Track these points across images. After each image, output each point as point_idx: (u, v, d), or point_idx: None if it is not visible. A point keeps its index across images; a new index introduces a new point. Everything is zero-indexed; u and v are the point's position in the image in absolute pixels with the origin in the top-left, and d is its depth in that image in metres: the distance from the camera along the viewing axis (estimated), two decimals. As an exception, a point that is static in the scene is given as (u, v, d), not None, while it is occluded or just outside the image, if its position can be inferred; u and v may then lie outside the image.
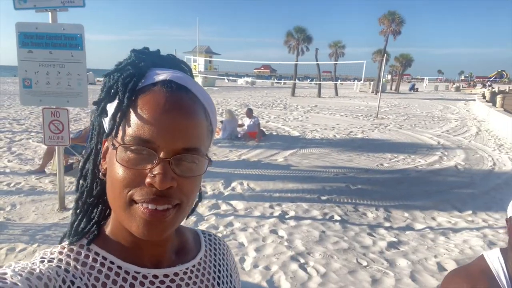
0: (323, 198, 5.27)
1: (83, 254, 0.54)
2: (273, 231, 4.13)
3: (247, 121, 9.72)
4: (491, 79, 66.09)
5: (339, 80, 46.24)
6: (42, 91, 4.10)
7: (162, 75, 0.53)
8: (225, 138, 9.28)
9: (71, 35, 3.99)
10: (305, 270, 3.34)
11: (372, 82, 40.14)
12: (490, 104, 19.53)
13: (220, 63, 49.17)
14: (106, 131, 0.55)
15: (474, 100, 23.59)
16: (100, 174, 0.57)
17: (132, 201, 0.50)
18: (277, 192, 5.43)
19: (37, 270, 0.47)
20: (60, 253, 0.53)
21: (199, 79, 36.55)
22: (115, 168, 0.51)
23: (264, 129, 10.27)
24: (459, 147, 9.50)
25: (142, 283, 0.55)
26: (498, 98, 19.92)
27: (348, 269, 3.37)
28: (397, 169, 7.11)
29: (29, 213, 4.32)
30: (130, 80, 0.53)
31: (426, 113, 18.14)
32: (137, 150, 0.50)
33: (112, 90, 0.54)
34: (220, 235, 3.96)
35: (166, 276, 0.58)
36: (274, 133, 10.56)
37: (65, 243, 0.56)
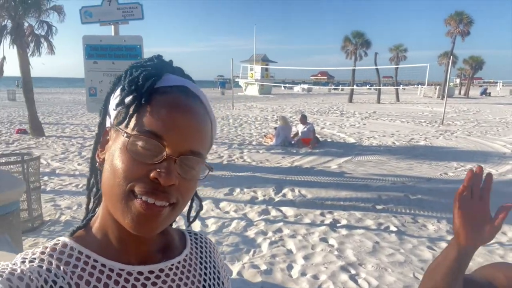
0: (379, 207, 5.01)
1: (66, 253, 0.54)
2: (323, 239, 4.00)
3: (300, 128, 9.62)
4: None
5: (401, 85, 44.18)
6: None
7: (178, 81, 0.57)
8: (278, 145, 9.26)
9: (131, 46, 4.26)
10: (355, 281, 3.18)
11: (438, 87, 37.78)
12: None
13: (276, 70, 49.62)
14: (114, 121, 0.56)
15: (558, 104, 21.11)
16: (97, 164, 0.58)
17: (131, 193, 0.51)
18: (329, 200, 5.27)
19: (18, 271, 0.47)
20: (42, 253, 0.53)
21: (255, 87, 37.13)
22: (120, 158, 0.51)
23: (318, 136, 10.08)
24: (539, 156, 8.52)
25: (127, 280, 0.55)
26: None
27: (404, 283, 3.14)
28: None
29: (93, 212, 4.65)
30: (150, 78, 0.55)
31: (499, 119, 16.60)
32: (147, 143, 0.50)
33: (133, 84, 0.55)
34: (268, 241, 3.93)
35: (151, 272, 0.58)
36: (329, 140, 10.33)
37: (50, 242, 0.56)
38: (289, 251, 3.73)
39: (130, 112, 0.53)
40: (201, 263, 0.67)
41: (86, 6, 4.10)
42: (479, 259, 3.61)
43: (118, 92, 0.57)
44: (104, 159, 0.56)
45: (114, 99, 0.57)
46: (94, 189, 0.62)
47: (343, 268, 3.39)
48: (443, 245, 3.90)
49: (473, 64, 41.69)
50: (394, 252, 3.71)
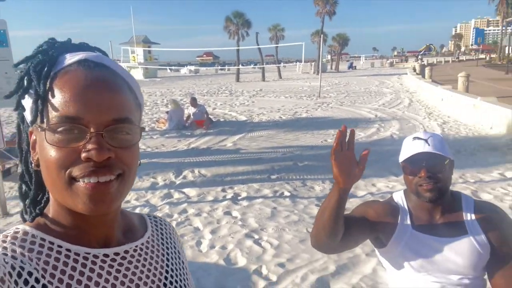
0: (273, 177, 5.48)
1: (28, 241, 0.52)
2: (227, 213, 4.26)
3: (192, 110, 9.67)
4: (421, 53, 70.85)
5: (282, 63, 46.98)
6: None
7: (76, 56, 0.54)
8: (172, 129, 9.17)
9: (-7, 31, 3.73)
10: (259, 244, 3.52)
11: (313, 63, 41.33)
12: (420, 76, 21.05)
13: (160, 53, 47.77)
14: (30, 120, 0.55)
15: (406, 73, 25.25)
16: (33, 165, 0.57)
17: (72, 180, 0.50)
18: (228, 176, 5.55)
19: None
20: (3, 241, 0.51)
21: (139, 71, 35.28)
22: (47, 152, 0.50)
23: (211, 117, 10.28)
24: (394, 118, 10.23)
25: (93, 263, 0.55)
26: (427, 70, 21.53)
27: (299, 238, 3.60)
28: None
29: (-34, 224, 4.06)
30: (43, 66, 0.53)
31: (364, 89, 19.15)
32: (66, 129, 0.49)
33: (25, 81, 0.53)
34: (174, 222, 4.01)
35: (116, 254, 0.58)
36: (222, 120, 10.63)
37: (8, 231, 0.54)
38: (196, 229, 3.89)
39: (39, 107, 0.51)
40: (162, 244, 0.68)
41: None
42: (356, 208, 4.32)
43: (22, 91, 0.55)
44: (38, 159, 0.55)
45: (19, 96, 0.55)
46: (32, 193, 0.59)
47: (248, 235, 3.70)
48: (328, 201, 4.53)
49: (340, 41, 46.68)
50: (289, 214, 4.18)
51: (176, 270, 0.67)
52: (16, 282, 0.47)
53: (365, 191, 4.87)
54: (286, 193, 4.81)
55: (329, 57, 58.46)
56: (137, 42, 37.28)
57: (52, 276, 0.50)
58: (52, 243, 0.53)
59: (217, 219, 4.09)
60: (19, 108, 0.55)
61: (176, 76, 40.35)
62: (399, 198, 1.42)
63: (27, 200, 0.60)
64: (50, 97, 0.51)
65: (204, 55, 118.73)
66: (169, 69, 50.25)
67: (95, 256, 0.55)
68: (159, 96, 17.76)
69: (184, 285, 0.66)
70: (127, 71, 0.58)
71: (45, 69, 0.52)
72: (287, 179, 5.39)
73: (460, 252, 1.26)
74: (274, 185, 5.12)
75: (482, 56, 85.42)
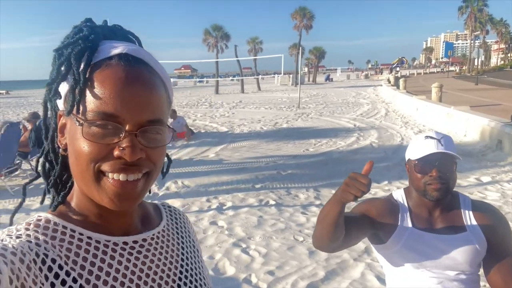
0: (257, 186, 5.48)
1: (50, 228, 0.53)
2: (213, 223, 4.21)
3: (171, 122, 9.57)
4: (393, 66, 73.21)
5: (260, 75, 47.41)
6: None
7: (117, 49, 0.53)
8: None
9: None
10: (247, 253, 3.49)
11: (291, 75, 41.98)
12: (395, 87, 21.71)
13: (137, 65, 47.31)
14: (64, 108, 0.54)
15: (381, 85, 25.99)
16: (60, 150, 0.57)
17: (100, 173, 0.51)
18: (212, 186, 5.51)
19: (10, 246, 0.46)
20: (27, 229, 0.52)
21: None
22: (80, 143, 0.51)
23: (192, 128, 10.23)
24: (373, 127, 10.46)
25: (114, 250, 0.56)
26: (401, 82, 22.22)
27: (287, 246, 3.60)
28: (321, 152, 7.63)
29: None
30: (83, 54, 0.52)
31: (342, 100, 19.54)
32: (102, 125, 0.50)
33: (63, 68, 0.53)
34: (160, 234, 3.94)
35: (135, 242, 0.59)
36: (203, 131, 10.59)
37: (30, 219, 0.54)
38: (182, 240, 3.82)
39: (76, 97, 0.51)
40: (177, 233, 0.69)
41: None
42: (341, 214, 4.36)
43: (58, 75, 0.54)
44: (66, 144, 0.55)
45: (57, 83, 0.54)
46: (56, 171, 0.60)
47: (235, 244, 3.67)
48: (314, 209, 4.56)
49: (317, 54, 47.71)
50: (275, 222, 4.17)
51: (191, 258, 0.68)
52: (40, 269, 0.48)
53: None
54: (271, 202, 4.82)
55: (306, 69, 59.51)
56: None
57: (75, 262, 0.51)
58: (74, 231, 0.54)
59: (203, 229, 4.05)
60: (56, 95, 0.54)
61: (154, 89, 40.02)
62: (399, 196, 1.45)
63: (50, 179, 0.60)
64: (88, 89, 0.51)
65: (182, 68, 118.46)
66: (147, 81, 49.81)
67: (115, 244, 0.57)
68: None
69: (199, 272, 0.67)
70: (162, 67, 0.58)
71: (86, 58, 0.52)
72: (272, 188, 5.40)
73: (458, 249, 1.29)
74: (259, 194, 5.12)
75: (452, 68, 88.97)
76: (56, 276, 0.49)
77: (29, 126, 6.81)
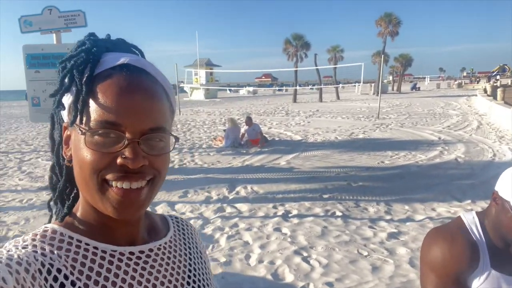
0: (325, 196, 5.41)
1: (57, 239, 0.54)
2: (277, 229, 4.27)
3: (246, 129, 9.83)
4: (493, 74, 65.91)
5: (340, 84, 46.47)
6: (51, 109, 4.33)
7: (119, 59, 0.54)
8: (228, 146, 9.45)
9: (75, 54, 4.23)
10: (308, 262, 3.48)
11: (373, 84, 40.32)
12: (491, 98, 19.56)
13: (221, 74, 49.77)
14: (67, 120, 0.56)
15: (476, 95, 23.61)
16: (65, 161, 0.58)
17: (104, 182, 0.52)
18: (280, 194, 5.58)
19: (15, 256, 0.47)
20: (33, 239, 0.53)
21: (201, 92, 37.02)
22: (84, 153, 0.51)
23: (266, 135, 10.44)
24: (460, 141, 9.59)
25: (120, 260, 0.56)
26: (499, 92, 19.97)
27: (350, 259, 3.50)
28: (398, 165, 7.23)
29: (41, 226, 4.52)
30: (86, 66, 0.53)
31: (428, 110, 18.22)
32: (105, 134, 0.50)
33: (67, 79, 0.55)
34: (225, 235, 4.12)
35: (141, 252, 0.59)
36: (277, 139, 10.74)
37: (37, 230, 0.56)
38: (246, 243, 3.95)
39: (79, 107, 0.52)
40: (185, 244, 0.69)
41: (26, 15, 4.00)
42: (413, 232, 4.11)
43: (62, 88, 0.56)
44: (71, 155, 0.56)
45: (60, 95, 0.56)
46: (60, 184, 0.61)
47: (296, 252, 3.68)
48: (383, 224, 4.36)
49: (403, 62, 45.16)
50: (340, 234, 4.09)
51: (199, 269, 0.68)
52: (46, 279, 0.48)
53: (423, 215, 4.61)
54: (338, 213, 4.72)
55: (390, 78, 56.69)
56: (201, 65, 39.33)
57: (80, 272, 0.52)
58: (80, 241, 0.55)
59: (267, 235, 4.13)
60: (59, 106, 0.57)
61: (235, 97, 41.63)
62: (473, 226, 1.24)
63: (56, 191, 0.62)
64: (91, 99, 0.52)
65: (263, 77, 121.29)
66: (229, 90, 52.06)
67: (121, 254, 0.57)
68: (217, 115, 18.44)
69: (207, 284, 0.67)
70: (164, 77, 0.59)
71: (88, 70, 0.53)
72: (340, 199, 5.29)
73: None
74: (326, 204, 5.05)
75: None
76: (62, 286, 0.49)
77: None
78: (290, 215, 4.72)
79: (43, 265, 0.49)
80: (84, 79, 0.52)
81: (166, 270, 0.61)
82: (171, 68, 21.29)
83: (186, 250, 0.68)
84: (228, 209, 4.97)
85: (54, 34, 4.29)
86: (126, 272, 0.56)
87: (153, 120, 0.53)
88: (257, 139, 9.56)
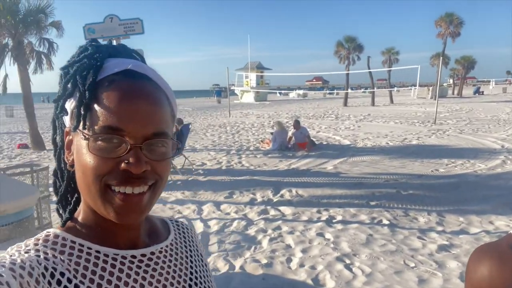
0: (372, 203, 5.25)
1: (59, 243, 0.54)
2: (320, 234, 4.23)
3: (294, 132, 9.80)
4: None
5: (395, 87, 44.68)
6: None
7: (122, 65, 0.55)
8: (275, 149, 9.50)
9: (132, 59, 4.51)
10: (350, 270, 3.41)
11: (431, 88, 38.25)
12: None
13: (271, 77, 50.08)
14: (70, 125, 0.56)
15: (549, 100, 21.51)
16: (67, 166, 0.58)
17: (106, 187, 0.52)
18: (325, 198, 5.51)
19: (18, 260, 0.47)
20: (36, 244, 0.53)
21: (251, 94, 37.50)
22: (86, 158, 0.52)
23: (314, 139, 10.34)
24: (527, 150, 8.81)
25: (122, 263, 0.56)
26: None
27: (395, 269, 3.38)
28: (454, 174, 6.82)
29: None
30: (88, 72, 0.53)
31: (491, 116, 16.94)
32: (108, 139, 0.51)
33: (70, 85, 0.55)
34: (268, 238, 4.16)
35: (143, 255, 0.60)
36: (325, 143, 10.59)
37: (39, 235, 0.56)
38: (288, 246, 3.96)
39: (82, 113, 0.52)
40: (186, 247, 0.70)
41: (89, 23, 4.36)
42: (466, 246, 3.86)
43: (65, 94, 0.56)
44: (73, 160, 0.56)
45: (63, 100, 0.56)
46: (62, 188, 0.62)
47: (339, 259, 3.62)
48: (433, 235, 4.14)
49: (465, 64, 42.28)
50: (386, 243, 3.95)
51: (200, 272, 0.68)
52: (49, 283, 0.49)
53: (479, 228, 4.31)
54: (385, 221, 4.56)
55: (451, 81, 53.41)
56: (251, 68, 39.86)
57: (84, 276, 0.52)
58: (82, 245, 0.55)
59: (309, 239, 4.10)
60: (62, 112, 0.56)
61: (285, 100, 41.62)
62: None
63: (58, 195, 0.63)
64: (94, 104, 0.52)
65: (314, 80, 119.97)
66: (279, 93, 52.21)
67: (123, 257, 0.57)
68: (266, 118, 18.58)
69: (208, 287, 0.68)
70: (166, 82, 0.60)
71: (91, 75, 0.53)
72: (388, 207, 5.11)
73: None
74: (372, 212, 4.90)
75: None
76: None
77: (173, 130, 7.98)
78: (334, 220, 4.65)
79: (46, 269, 0.49)
80: (87, 84, 0.53)
81: (168, 273, 0.62)
82: (222, 71, 21.80)
83: (187, 253, 0.69)
84: (272, 212, 5.00)
85: (114, 41, 4.61)
86: (128, 276, 0.56)
87: (155, 125, 0.53)
88: (304, 142, 9.50)
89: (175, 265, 0.64)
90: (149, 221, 0.67)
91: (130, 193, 0.52)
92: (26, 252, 0.51)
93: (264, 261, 3.62)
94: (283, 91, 53.02)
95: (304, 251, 3.82)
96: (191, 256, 0.69)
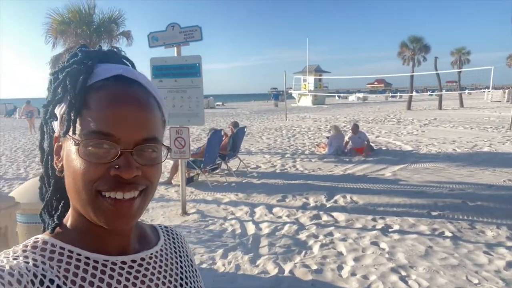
0: (434, 213, 4.93)
1: (48, 250, 0.53)
2: (374, 243, 4.07)
3: (352, 137, 9.52)
4: None
5: (466, 90, 41.53)
6: (169, 113, 4.93)
7: (112, 71, 0.55)
8: (331, 154, 9.32)
9: (191, 65, 4.74)
10: (405, 282, 3.24)
11: (507, 90, 34.95)
12: None
13: (330, 80, 49.21)
14: (59, 130, 0.56)
15: None
16: (57, 172, 0.58)
17: (97, 193, 0.51)
18: (381, 206, 5.29)
19: (7, 267, 0.47)
20: (24, 250, 0.53)
21: (309, 98, 37.18)
22: (77, 164, 0.51)
23: (373, 144, 9.98)
24: None
25: (112, 269, 0.56)
26: None
27: (455, 285, 3.15)
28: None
29: (158, 216, 5.15)
30: (78, 77, 0.53)
31: None
32: (98, 144, 0.50)
33: (60, 90, 0.55)
34: (319, 243, 4.10)
35: (133, 261, 0.59)
36: (384, 148, 10.17)
37: (27, 241, 0.55)
38: (340, 253, 3.87)
39: (72, 118, 0.52)
40: (175, 252, 0.70)
41: (153, 32, 4.66)
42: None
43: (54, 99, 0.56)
44: (62, 165, 0.56)
45: (53, 105, 0.56)
46: (48, 194, 0.61)
47: (394, 270, 3.46)
48: (502, 251, 3.79)
49: (550, 64, 38.01)
50: (447, 256, 3.69)
51: (190, 277, 0.68)
52: None
53: (559, 247, 3.85)
54: (448, 233, 4.26)
55: (531, 82, 48.33)
56: (310, 71, 39.57)
57: (73, 283, 0.52)
58: (71, 252, 0.54)
59: (362, 247, 3.97)
60: (52, 117, 0.56)
61: (344, 103, 40.61)
62: None
63: (44, 201, 0.62)
64: (84, 110, 0.52)
65: (375, 82, 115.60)
66: (338, 96, 51.09)
67: (113, 263, 0.57)
68: (323, 122, 18.29)
69: None
70: (156, 88, 0.60)
71: (81, 80, 0.53)
72: (451, 218, 4.76)
73: None
74: (433, 222, 4.61)
75: None
76: None
77: (229, 132, 8.19)
78: (390, 229, 4.45)
79: (35, 276, 0.49)
80: (77, 90, 0.52)
81: (158, 278, 0.61)
82: (280, 75, 21.96)
83: (177, 258, 0.69)
84: (325, 217, 4.92)
85: (175, 48, 4.88)
86: (118, 282, 0.56)
87: (145, 130, 0.53)
88: (362, 147, 9.21)
89: (165, 271, 0.64)
90: (138, 227, 0.67)
91: (121, 199, 0.51)
92: (14, 259, 0.50)
93: (314, 267, 3.57)
94: (342, 94, 51.77)
95: (356, 259, 3.70)
96: (181, 262, 0.69)
